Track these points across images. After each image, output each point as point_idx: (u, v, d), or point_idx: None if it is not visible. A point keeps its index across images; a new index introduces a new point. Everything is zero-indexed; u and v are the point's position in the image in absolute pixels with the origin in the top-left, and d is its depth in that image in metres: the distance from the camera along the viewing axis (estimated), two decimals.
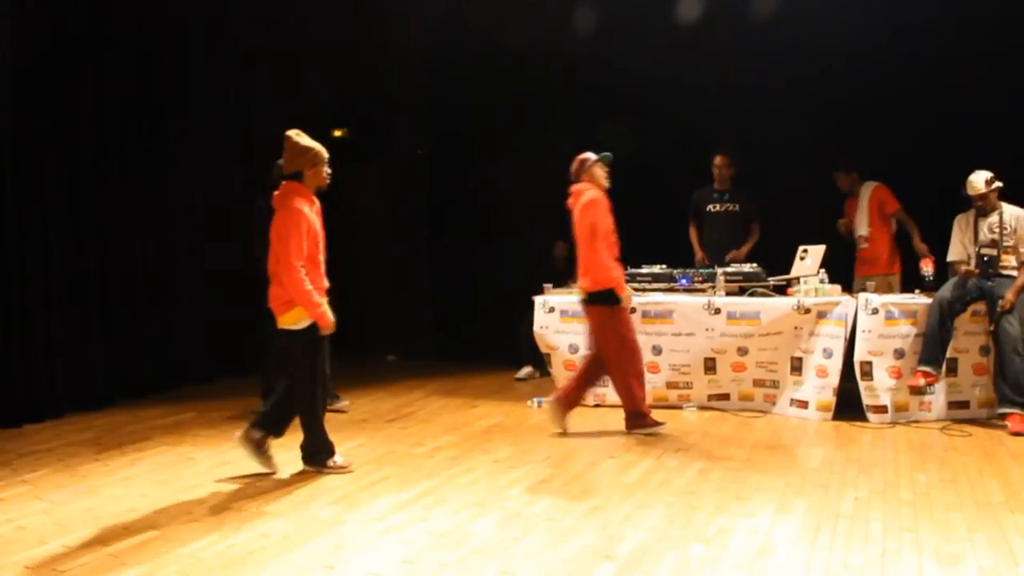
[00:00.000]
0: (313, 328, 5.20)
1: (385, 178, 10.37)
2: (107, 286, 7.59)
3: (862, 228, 7.73)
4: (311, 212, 5.21)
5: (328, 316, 5.19)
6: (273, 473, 5.35)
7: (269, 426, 5.39)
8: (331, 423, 6.63)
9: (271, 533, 4.29)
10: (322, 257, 5.32)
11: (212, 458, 5.76)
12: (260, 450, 5.35)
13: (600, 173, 6.15)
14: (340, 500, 4.80)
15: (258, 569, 3.84)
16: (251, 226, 7.12)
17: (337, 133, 10.19)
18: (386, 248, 10.47)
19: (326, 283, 5.35)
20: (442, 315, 10.15)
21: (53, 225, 7.14)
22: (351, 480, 5.19)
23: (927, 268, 6.93)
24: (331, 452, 5.39)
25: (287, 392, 5.38)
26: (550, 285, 7.70)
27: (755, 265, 7.28)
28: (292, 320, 5.19)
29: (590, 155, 6.18)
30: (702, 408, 7.00)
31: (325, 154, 5.29)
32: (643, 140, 8.38)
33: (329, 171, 5.32)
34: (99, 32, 7.60)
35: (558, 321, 7.31)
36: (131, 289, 7.81)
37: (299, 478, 5.25)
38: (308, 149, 5.23)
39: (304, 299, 5.09)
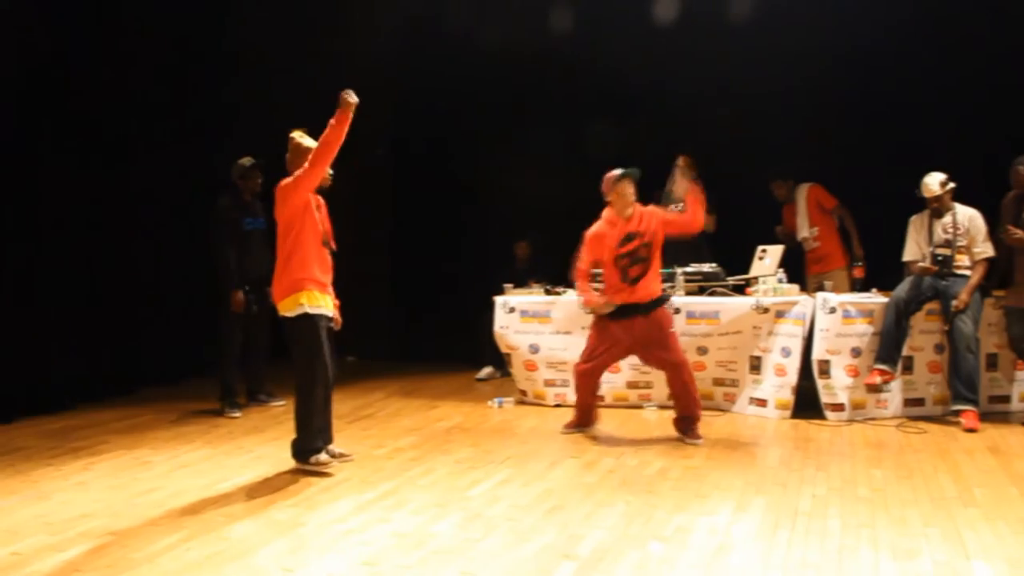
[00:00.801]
0: (310, 317, 5.23)
1: (346, 178, 10.30)
2: (64, 285, 7.46)
3: (804, 230, 7.83)
4: (313, 206, 5.32)
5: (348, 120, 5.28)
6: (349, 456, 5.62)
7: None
8: (291, 424, 6.62)
9: (229, 536, 4.24)
10: (328, 253, 5.44)
11: (169, 461, 5.69)
12: (334, 457, 5.53)
13: (626, 191, 5.98)
14: (299, 503, 4.76)
15: (216, 573, 3.79)
16: (212, 224, 7.07)
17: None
18: (346, 248, 10.39)
19: (329, 278, 5.46)
20: (402, 316, 10.12)
21: (7, 223, 7.03)
22: (310, 482, 5.15)
23: (856, 275, 7.03)
24: (317, 450, 5.36)
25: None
26: (511, 285, 7.70)
27: (714, 265, 7.32)
28: (289, 307, 5.24)
29: (616, 172, 6.03)
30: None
31: None
32: (612, 141, 8.39)
33: (331, 171, 5.40)
34: (92, 31, 7.66)
35: (518, 321, 7.31)
36: (88, 289, 7.69)
37: (258, 481, 5.21)
38: (310, 149, 5.31)
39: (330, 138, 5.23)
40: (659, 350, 6.02)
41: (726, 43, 8.37)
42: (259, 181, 7.06)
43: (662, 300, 6.12)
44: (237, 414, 7.00)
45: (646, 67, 8.45)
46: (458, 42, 9.14)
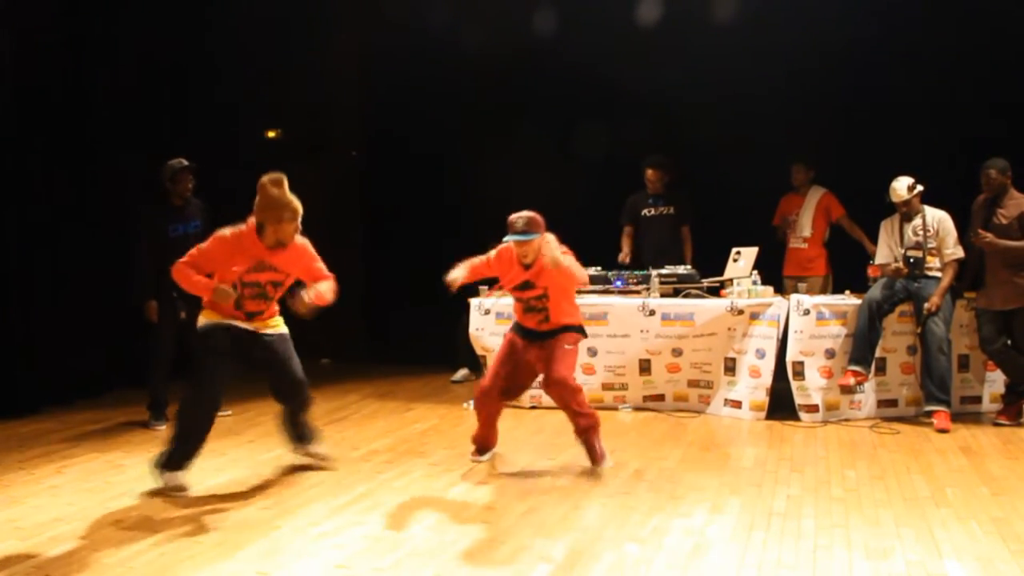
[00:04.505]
0: (205, 331, 5.06)
1: (320, 179, 10.26)
2: (31, 286, 7.37)
3: (806, 229, 7.87)
4: (246, 254, 4.98)
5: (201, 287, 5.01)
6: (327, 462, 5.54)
7: (298, 440, 5.54)
8: (265, 426, 6.57)
9: (203, 540, 4.21)
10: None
11: (142, 464, 5.61)
12: (314, 456, 5.54)
13: (527, 248, 5.31)
14: (274, 506, 4.74)
15: None
16: (140, 226, 6.79)
17: (271, 134, 10.07)
18: (320, 250, 10.36)
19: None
20: (377, 318, 10.08)
21: None
22: (285, 485, 5.12)
23: (874, 274, 7.03)
24: (175, 468, 5.07)
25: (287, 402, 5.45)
26: (485, 288, 7.69)
27: (689, 267, 7.36)
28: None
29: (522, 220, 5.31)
30: (637, 409, 7.05)
31: (296, 211, 5.00)
32: (589, 141, 8.42)
33: (298, 227, 5.06)
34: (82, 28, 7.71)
35: (493, 323, 7.30)
36: (56, 289, 7.60)
37: (232, 483, 5.18)
38: (276, 204, 4.92)
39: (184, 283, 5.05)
40: (546, 365, 5.40)
41: (706, 43, 8.38)
42: (190, 185, 6.71)
43: (571, 328, 5.50)
44: (161, 427, 6.66)
45: (627, 66, 8.43)
46: (436, 41, 9.10)
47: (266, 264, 5.06)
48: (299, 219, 5.06)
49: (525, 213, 5.25)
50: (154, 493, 4.99)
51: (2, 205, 7.18)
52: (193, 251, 5.03)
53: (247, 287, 5.05)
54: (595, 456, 5.45)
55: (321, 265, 5.39)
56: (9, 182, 7.22)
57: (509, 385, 5.61)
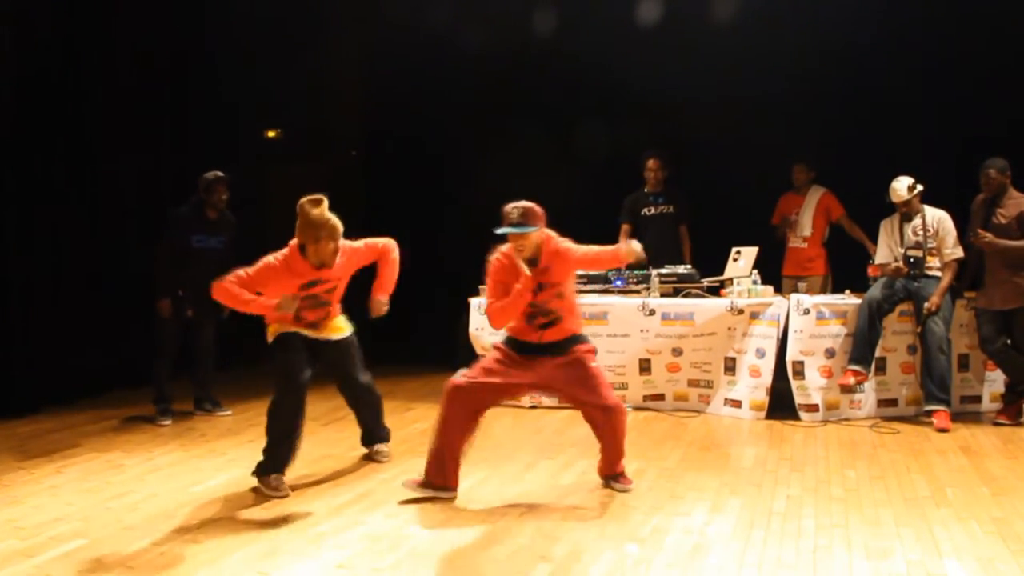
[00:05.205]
0: (277, 339, 5.16)
1: (320, 179, 10.25)
2: (31, 286, 7.37)
3: (806, 229, 7.88)
4: (296, 276, 5.03)
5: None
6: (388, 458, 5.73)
7: (369, 439, 5.79)
8: (255, 428, 6.58)
9: (203, 540, 4.21)
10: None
11: (142, 464, 5.64)
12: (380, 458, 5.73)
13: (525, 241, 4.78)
14: (273, 505, 4.74)
15: None
16: (168, 228, 6.88)
17: (271, 134, 10.07)
18: None
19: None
20: (377, 317, 10.06)
21: None
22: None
23: (874, 274, 7.02)
24: (271, 470, 5.02)
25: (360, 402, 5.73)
26: (485, 287, 7.67)
27: (689, 267, 7.36)
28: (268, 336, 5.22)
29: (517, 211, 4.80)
30: (637, 408, 7.04)
31: (334, 229, 5.03)
32: (591, 141, 8.43)
33: (338, 247, 5.12)
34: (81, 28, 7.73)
35: None
36: (56, 289, 7.60)
37: (232, 484, 5.17)
38: (314, 224, 4.95)
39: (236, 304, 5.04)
40: (582, 392, 4.79)
41: (706, 43, 8.38)
42: (223, 197, 6.81)
43: (577, 339, 4.90)
44: (167, 422, 6.75)
45: (627, 66, 8.43)
46: (436, 41, 9.11)
47: (318, 280, 5.15)
48: (339, 238, 5.11)
49: (521, 203, 4.74)
50: (154, 493, 4.99)
51: (2, 205, 7.18)
52: (240, 273, 4.97)
53: (303, 300, 5.11)
54: (623, 480, 5.00)
55: (366, 245, 5.57)
56: (9, 182, 7.21)
57: (493, 395, 4.91)
